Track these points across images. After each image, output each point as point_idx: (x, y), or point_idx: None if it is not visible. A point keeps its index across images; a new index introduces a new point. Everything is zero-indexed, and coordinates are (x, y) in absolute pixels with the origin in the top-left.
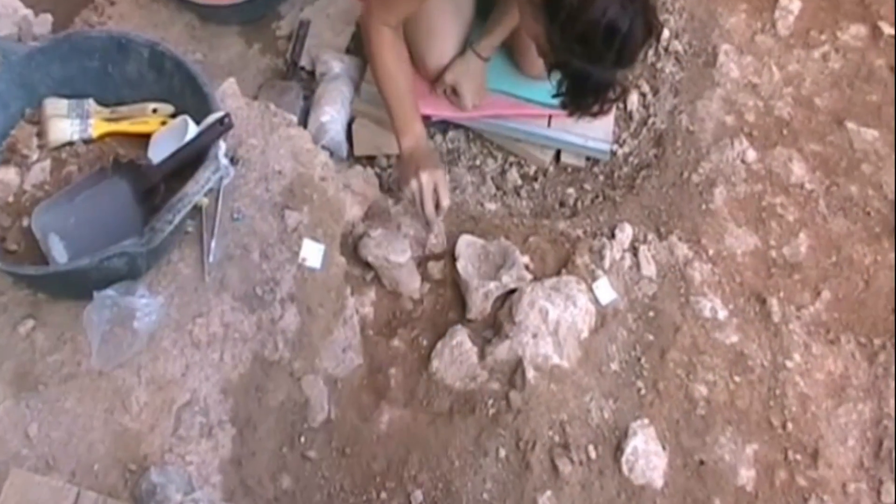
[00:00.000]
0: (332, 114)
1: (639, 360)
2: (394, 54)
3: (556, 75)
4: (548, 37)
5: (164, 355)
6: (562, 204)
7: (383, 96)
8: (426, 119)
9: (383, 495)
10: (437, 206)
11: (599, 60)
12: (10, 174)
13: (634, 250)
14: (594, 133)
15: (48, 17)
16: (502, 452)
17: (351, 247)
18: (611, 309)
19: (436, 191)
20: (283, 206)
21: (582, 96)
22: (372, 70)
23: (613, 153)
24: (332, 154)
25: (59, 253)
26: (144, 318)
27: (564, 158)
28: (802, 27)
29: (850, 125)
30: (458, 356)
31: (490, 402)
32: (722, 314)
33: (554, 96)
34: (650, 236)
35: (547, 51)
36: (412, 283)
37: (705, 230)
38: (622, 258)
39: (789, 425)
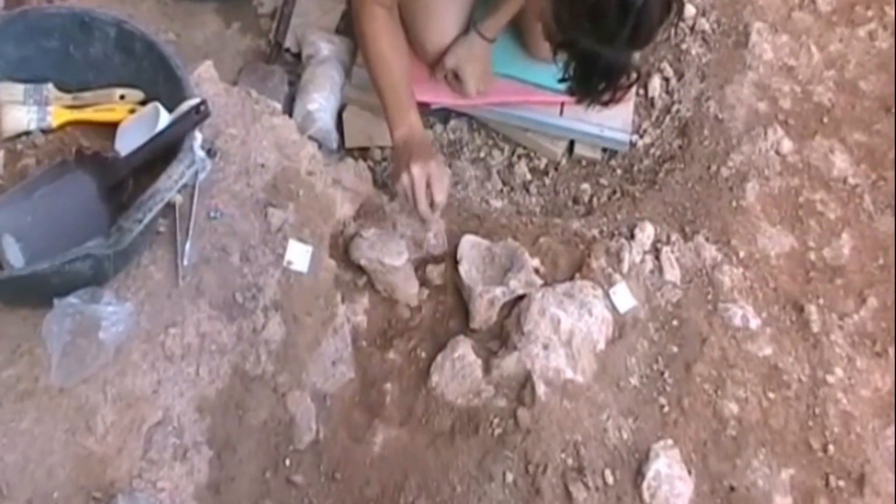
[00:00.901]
0: (321, 101)
1: (661, 374)
2: (388, 36)
3: (563, 57)
4: (554, 12)
5: (132, 369)
6: (575, 201)
7: (375, 83)
8: (425, 107)
9: None
10: (432, 202)
11: (611, 40)
12: None
13: (656, 252)
14: (611, 122)
15: None
16: (510, 477)
17: (341, 248)
18: (630, 317)
19: (429, 185)
20: (265, 204)
21: (591, 81)
22: (363, 53)
23: (633, 144)
24: (320, 146)
25: (14, 256)
26: (111, 327)
27: (578, 150)
28: (846, 2)
29: None
30: (460, 370)
31: (496, 420)
32: (754, 323)
33: (560, 81)
34: (674, 237)
35: (553, 29)
36: (409, 289)
37: (736, 230)
38: (643, 261)
39: (831, 448)
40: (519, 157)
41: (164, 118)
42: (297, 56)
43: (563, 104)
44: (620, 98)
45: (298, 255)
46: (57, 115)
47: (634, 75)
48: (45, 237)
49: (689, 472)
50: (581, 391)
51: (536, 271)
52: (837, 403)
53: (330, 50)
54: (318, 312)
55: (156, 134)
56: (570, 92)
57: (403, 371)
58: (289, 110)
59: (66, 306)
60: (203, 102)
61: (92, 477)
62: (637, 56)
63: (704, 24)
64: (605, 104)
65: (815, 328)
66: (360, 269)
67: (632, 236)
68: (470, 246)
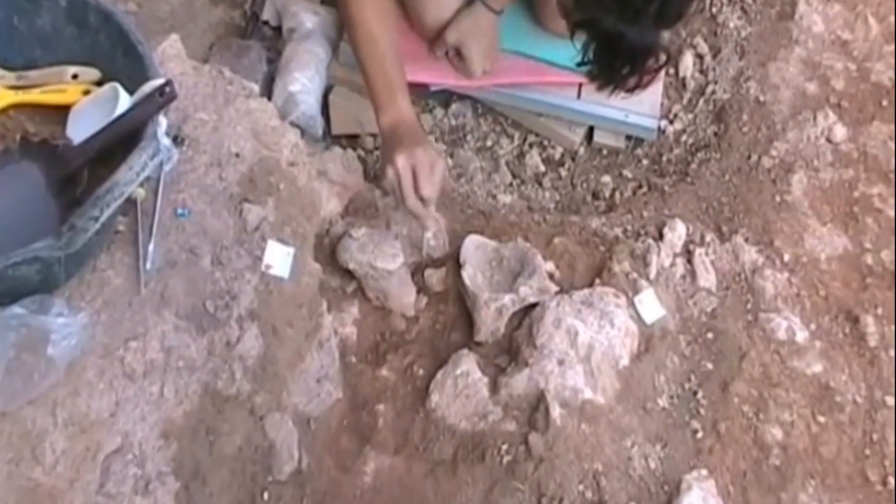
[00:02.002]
0: (304, 81)
1: (694, 394)
2: (376, 7)
3: (581, 37)
4: None
5: (87, 389)
6: (595, 196)
7: (360, 61)
8: (423, 89)
9: None
10: (422, 196)
11: (636, 17)
12: None
13: (688, 255)
14: (637, 106)
15: None
16: None
17: (328, 250)
18: (658, 329)
19: (416, 177)
20: (241, 199)
21: (614, 64)
22: (346, 28)
23: (662, 131)
24: (303, 133)
25: None
26: (62, 341)
27: (598, 138)
28: None
29: None
30: (463, 389)
31: (504, 447)
32: (802, 336)
33: (579, 65)
34: (709, 237)
35: (569, 5)
36: (405, 297)
37: (780, 229)
38: (673, 265)
39: (890, 480)
40: (531, 145)
41: (124, 101)
42: (277, 30)
43: (581, 85)
44: (647, 84)
45: (278, 258)
46: None
47: (663, 57)
48: None
49: None
50: (602, 413)
51: (551, 276)
52: None
53: (314, 23)
54: (301, 323)
55: (114, 119)
56: (590, 76)
57: (398, 390)
58: (267, 92)
59: (10, 318)
60: (168, 83)
61: None
62: (666, 35)
63: None
64: (630, 91)
65: (873, 342)
66: (349, 274)
67: (660, 236)
68: (475, 247)
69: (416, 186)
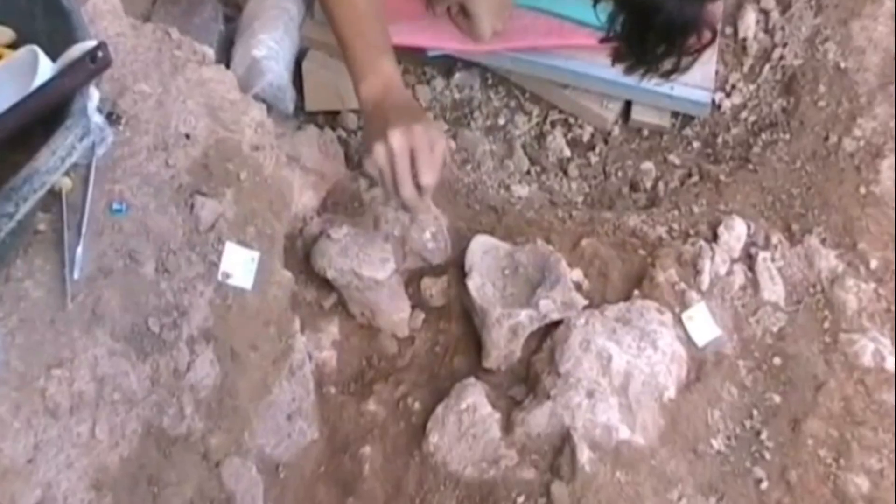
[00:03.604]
0: (271, 45)
1: (757, 434)
2: None
3: (607, 6)
4: None
5: None
6: (634, 187)
7: (332, 18)
8: (418, 54)
9: None
10: (419, 184)
11: None
12: None
13: (750, 260)
14: (686, 75)
15: None
16: None
17: (301, 254)
18: (712, 353)
19: (414, 160)
20: (192, 191)
21: (646, 42)
22: None
23: (716, 106)
24: (270, 108)
25: None
26: None
27: (637, 115)
28: None
29: None
30: (469, 427)
31: (521, 498)
32: (892, 362)
33: (603, 41)
34: (775, 238)
35: None
36: (397, 312)
37: (865, 227)
38: (730, 273)
39: None
40: (553, 124)
41: (45, 68)
42: None
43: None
44: (688, 66)
45: (239, 265)
46: None
47: (708, 34)
48: None
49: None
50: (642, 458)
51: (578, 287)
52: None
53: None
54: (268, 346)
55: (33, 91)
56: (617, 56)
57: (389, 429)
58: (225, 58)
59: None
60: (101, 46)
61: None
62: (714, 5)
63: None
64: (667, 75)
65: None
66: (328, 285)
67: (714, 237)
68: (483, 251)
69: (412, 172)
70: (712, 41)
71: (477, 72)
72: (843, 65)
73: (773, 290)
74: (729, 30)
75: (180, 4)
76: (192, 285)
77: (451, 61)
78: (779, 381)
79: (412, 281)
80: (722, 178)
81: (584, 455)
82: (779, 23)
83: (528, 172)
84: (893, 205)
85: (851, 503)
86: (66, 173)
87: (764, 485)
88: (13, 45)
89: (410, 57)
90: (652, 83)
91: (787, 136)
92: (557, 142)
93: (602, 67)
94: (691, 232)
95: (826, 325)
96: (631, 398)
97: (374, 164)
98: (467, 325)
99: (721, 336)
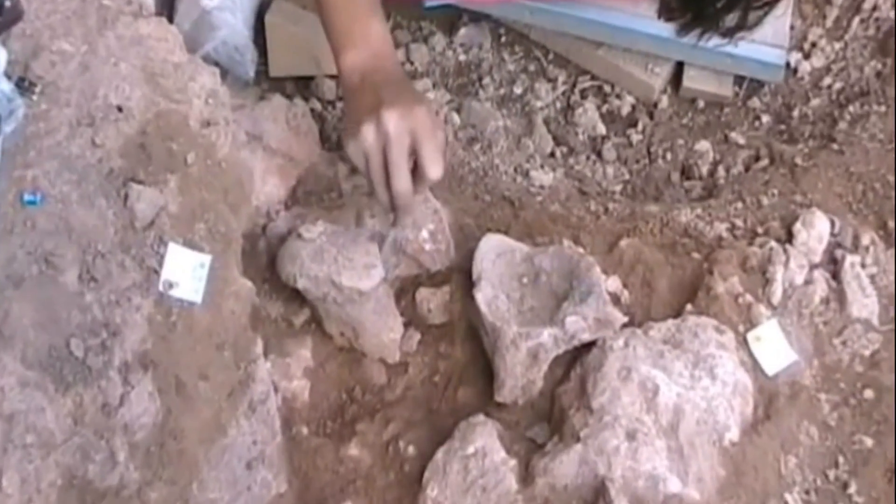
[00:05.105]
0: None
1: (844, 487)
2: None
3: None
4: None
5: None
6: (686, 173)
7: None
8: (411, 3)
9: None
10: (417, 177)
11: None
12: None
13: (834, 265)
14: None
15: None
16: None
17: (264, 259)
18: (786, 384)
19: (414, 148)
20: (126, 179)
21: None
22: None
23: (792, 69)
24: (225, 73)
25: None
26: None
27: (691, 82)
28: None
29: None
30: (478, 477)
31: None
32: None
33: None
34: (866, 237)
35: None
36: (387, 332)
37: None
38: (809, 282)
39: None
40: (584, 93)
41: None
42: None
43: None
44: (758, 21)
45: (186, 272)
46: None
47: None
48: None
49: None
50: None
51: (615, 300)
52: None
53: None
54: (222, 375)
55: None
56: (667, 7)
57: (375, 479)
58: (168, 9)
59: None
60: None
61: None
62: None
63: None
64: (731, 33)
65: None
66: (299, 297)
67: (789, 237)
68: (495, 254)
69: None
70: None
71: (487, 27)
72: None
73: (864, 304)
74: None
75: None
76: (126, 298)
77: (454, 13)
78: (871, 419)
79: (405, 292)
80: (799, 161)
81: None
82: None
83: (552, 154)
84: None
85: None
86: None
87: None
88: None
89: (402, 8)
90: (709, 41)
91: (882, 109)
92: (589, 116)
93: (647, 21)
94: (759, 230)
95: None
96: (682, 441)
97: (359, 149)
98: (475, 348)
99: (797, 362)
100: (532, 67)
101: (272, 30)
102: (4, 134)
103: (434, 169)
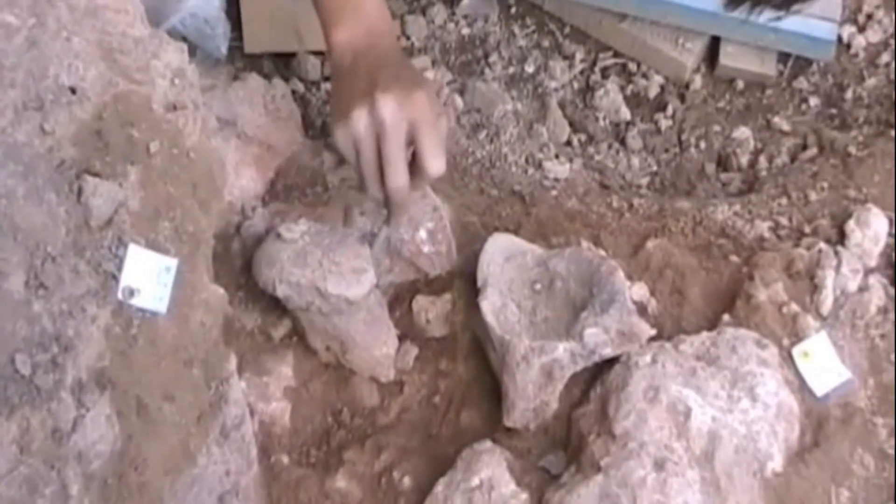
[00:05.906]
0: None
1: None
2: None
3: None
4: None
5: None
6: (723, 164)
7: None
8: None
9: None
10: (415, 172)
11: None
12: None
13: (891, 269)
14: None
15: None
16: None
17: (239, 262)
18: (837, 406)
19: (412, 138)
20: (80, 171)
21: None
22: None
23: (844, 45)
24: (194, 49)
25: None
26: None
27: (728, 60)
28: None
29: None
30: None
31: None
32: None
33: None
34: None
35: None
36: (378, 346)
37: None
38: (864, 289)
39: None
40: (605, 73)
41: None
42: None
43: None
44: None
45: (149, 278)
46: None
47: None
48: None
49: None
50: None
51: (641, 309)
52: None
53: None
54: (191, 396)
55: None
56: None
57: None
58: None
59: None
60: None
61: None
62: None
63: None
64: (782, 6)
65: None
66: (279, 307)
67: (841, 238)
68: (504, 257)
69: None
70: None
71: None
72: None
73: None
74: None
75: None
76: (80, 307)
77: None
78: None
79: (400, 301)
80: (852, 150)
81: None
82: None
83: (569, 143)
84: None
85: None
86: None
87: None
88: None
89: None
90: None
91: None
92: (611, 98)
93: None
94: (807, 229)
95: None
96: (718, 471)
97: (348, 138)
98: (480, 364)
99: (850, 381)
100: (546, 43)
101: (246, 0)
102: None
103: (435, 163)
